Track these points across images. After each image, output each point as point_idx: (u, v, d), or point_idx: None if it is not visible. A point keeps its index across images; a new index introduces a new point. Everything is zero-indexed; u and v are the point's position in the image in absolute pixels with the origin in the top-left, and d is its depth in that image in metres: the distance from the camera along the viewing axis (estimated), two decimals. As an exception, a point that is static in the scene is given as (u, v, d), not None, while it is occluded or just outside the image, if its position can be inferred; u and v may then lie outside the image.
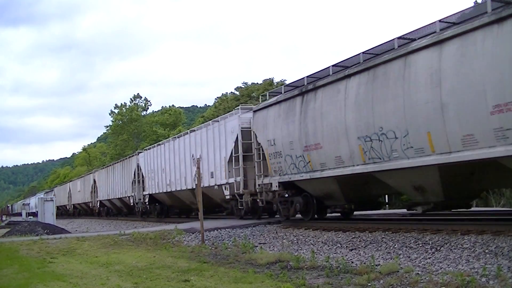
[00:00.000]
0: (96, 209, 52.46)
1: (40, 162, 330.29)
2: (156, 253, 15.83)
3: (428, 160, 13.32)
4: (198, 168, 18.99)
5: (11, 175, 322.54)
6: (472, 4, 21.04)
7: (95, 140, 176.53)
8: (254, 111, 22.16)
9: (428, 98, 13.01)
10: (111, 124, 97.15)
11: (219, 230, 19.90)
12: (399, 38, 14.71)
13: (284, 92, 20.15)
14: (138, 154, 38.93)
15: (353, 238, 15.38)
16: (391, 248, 13.31)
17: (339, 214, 20.25)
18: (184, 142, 29.46)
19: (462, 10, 13.45)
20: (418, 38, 14.06)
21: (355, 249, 14.09)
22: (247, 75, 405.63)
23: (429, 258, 11.49)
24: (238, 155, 23.14)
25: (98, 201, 51.07)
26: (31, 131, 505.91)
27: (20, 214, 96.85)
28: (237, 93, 72.82)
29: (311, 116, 17.73)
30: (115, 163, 46.67)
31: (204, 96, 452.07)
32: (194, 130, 28.92)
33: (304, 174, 18.49)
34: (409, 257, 11.93)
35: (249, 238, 18.00)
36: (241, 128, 23.12)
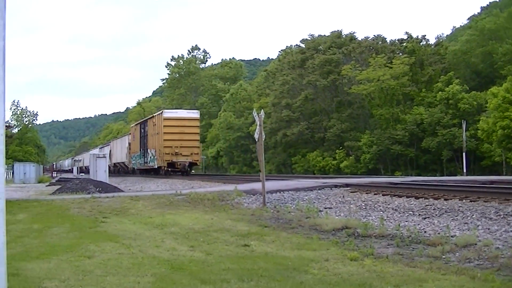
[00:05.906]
0: None
1: (92, 116, 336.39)
2: (214, 215, 15.99)
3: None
4: (261, 125, 18.98)
5: (62, 129, 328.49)
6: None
7: (150, 94, 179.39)
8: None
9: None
10: (167, 77, 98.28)
11: (281, 192, 20.02)
12: None
13: None
14: None
15: (427, 205, 15.24)
16: (469, 218, 13.15)
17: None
18: None
19: None
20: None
21: (428, 217, 13.97)
22: (314, 26, 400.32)
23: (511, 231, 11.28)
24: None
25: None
26: (85, 83, 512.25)
27: (70, 171, 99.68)
28: (303, 45, 72.28)
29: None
30: None
31: (267, 48, 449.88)
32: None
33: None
34: (488, 229, 11.74)
35: (314, 202, 18.04)
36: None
